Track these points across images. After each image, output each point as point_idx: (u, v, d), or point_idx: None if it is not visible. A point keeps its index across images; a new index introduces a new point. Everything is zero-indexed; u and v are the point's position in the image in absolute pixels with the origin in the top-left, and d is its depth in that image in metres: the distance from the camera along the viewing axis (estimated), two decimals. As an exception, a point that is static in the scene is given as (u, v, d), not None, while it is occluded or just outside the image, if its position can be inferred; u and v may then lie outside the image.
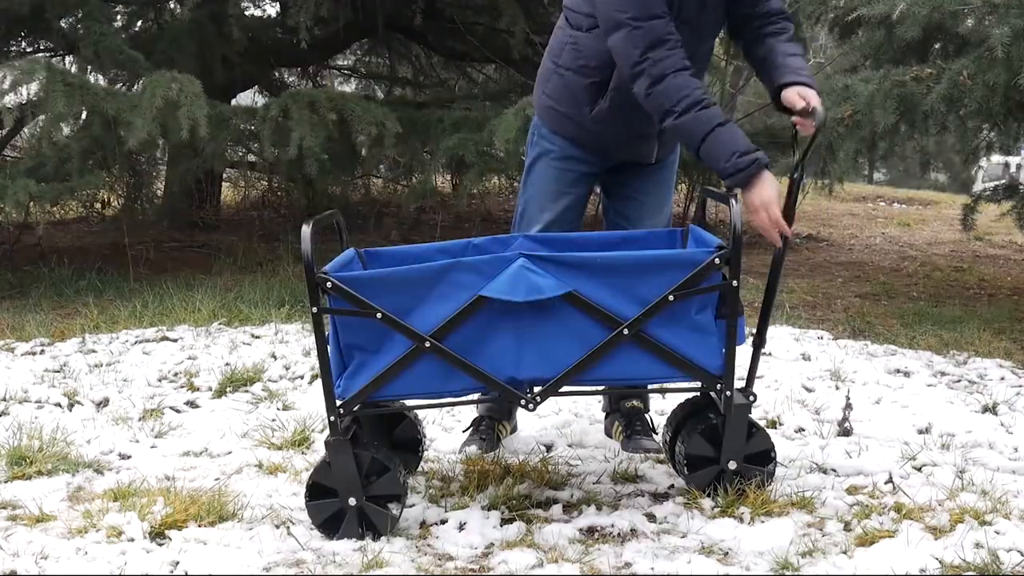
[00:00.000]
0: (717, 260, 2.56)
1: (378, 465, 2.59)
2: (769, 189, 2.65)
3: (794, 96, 2.72)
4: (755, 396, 2.74)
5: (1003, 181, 9.39)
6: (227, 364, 4.25)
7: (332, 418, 2.56)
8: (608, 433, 3.31)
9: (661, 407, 3.60)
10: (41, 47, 8.10)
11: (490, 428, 3.20)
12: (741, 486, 2.72)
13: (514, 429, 3.32)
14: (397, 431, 3.01)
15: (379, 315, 2.52)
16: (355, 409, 2.61)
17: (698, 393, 2.91)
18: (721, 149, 2.64)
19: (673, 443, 2.90)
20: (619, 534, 2.60)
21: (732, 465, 2.73)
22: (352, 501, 2.56)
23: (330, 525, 2.58)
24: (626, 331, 2.54)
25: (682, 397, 3.04)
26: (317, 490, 2.58)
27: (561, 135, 3.04)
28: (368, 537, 2.55)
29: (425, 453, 3.10)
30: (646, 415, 3.25)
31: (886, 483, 2.91)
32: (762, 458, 2.76)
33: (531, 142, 3.15)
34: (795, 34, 2.86)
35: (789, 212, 2.72)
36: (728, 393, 2.63)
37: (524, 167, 3.16)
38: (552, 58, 3.03)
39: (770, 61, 2.83)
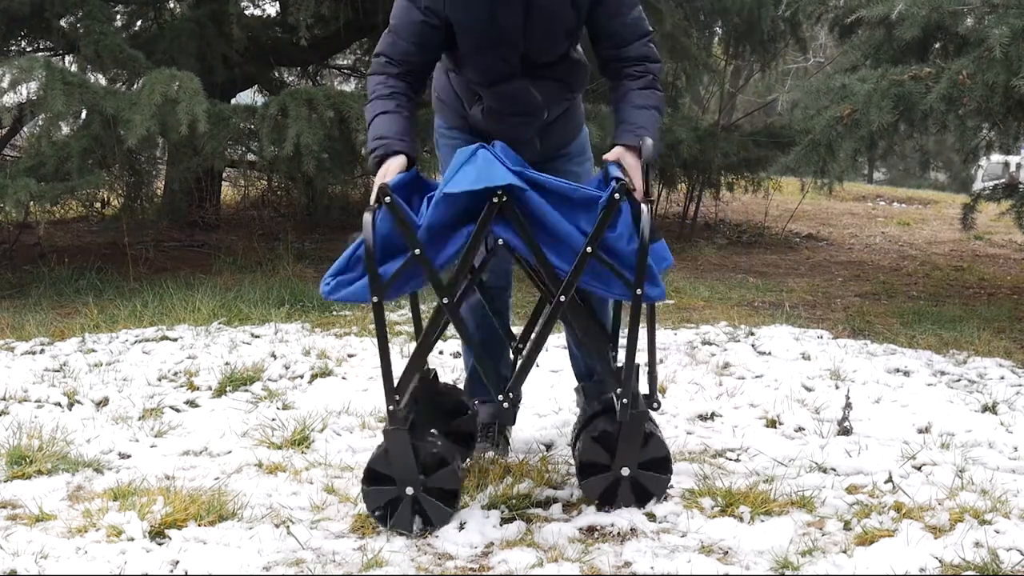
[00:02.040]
0: (616, 195, 2.55)
1: (437, 459, 2.62)
2: (381, 178, 2.72)
3: (612, 154, 2.82)
4: (659, 404, 2.76)
5: (1003, 180, 9.41)
6: (227, 363, 4.25)
7: (390, 407, 2.60)
8: None
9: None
10: (41, 47, 8.10)
11: (500, 432, 3.21)
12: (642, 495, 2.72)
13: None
14: (457, 424, 3.03)
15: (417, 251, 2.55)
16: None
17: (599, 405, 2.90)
18: (369, 134, 2.80)
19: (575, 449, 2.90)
20: (619, 533, 2.60)
21: (625, 471, 2.71)
22: (409, 491, 2.59)
23: (384, 512, 2.60)
24: (588, 249, 2.55)
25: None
26: (374, 476, 2.61)
27: (456, 128, 3.08)
28: (419, 526, 2.58)
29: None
30: None
31: (886, 482, 2.91)
32: (659, 465, 2.73)
33: (436, 145, 3.20)
34: (655, 79, 2.85)
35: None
36: (625, 400, 2.65)
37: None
38: None
39: (619, 113, 2.87)
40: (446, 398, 3.05)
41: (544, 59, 2.89)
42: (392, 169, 2.71)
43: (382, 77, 2.87)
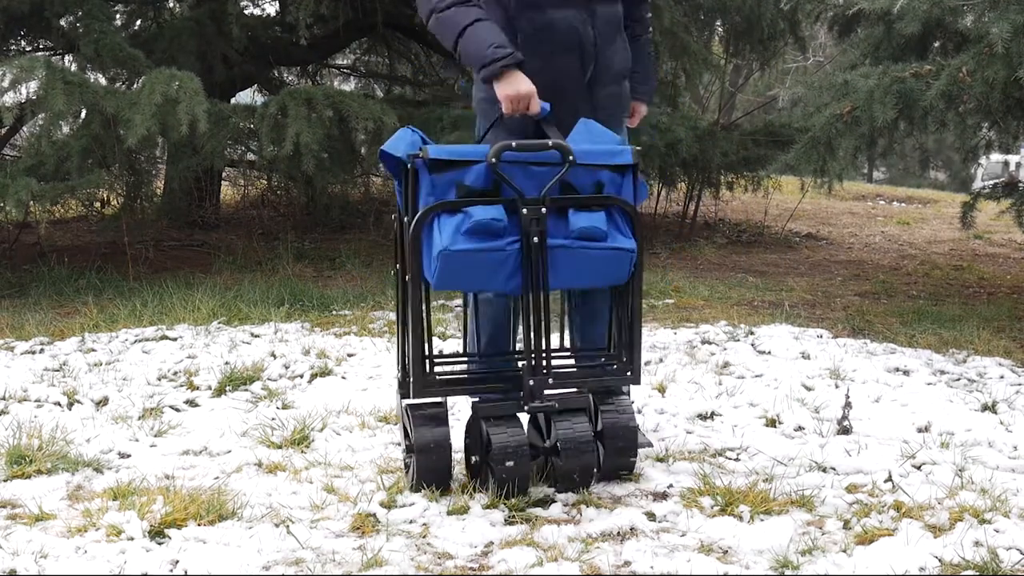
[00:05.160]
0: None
1: None
2: (526, 84, 2.78)
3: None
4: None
5: (1002, 179, 9.40)
6: (226, 363, 4.25)
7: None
8: None
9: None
10: (41, 46, 8.10)
11: None
12: None
13: None
14: None
15: None
16: None
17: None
18: (479, 41, 2.77)
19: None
20: (619, 533, 2.60)
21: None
22: None
23: None
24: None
25: None
26: None
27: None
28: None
29: None
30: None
31: (885, 481, 2.91)
32: None
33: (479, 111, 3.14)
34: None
35: None
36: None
37: None
38: None
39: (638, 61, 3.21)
40: None
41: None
42: (530, 87, 2.77)
43: None
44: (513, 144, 2.68)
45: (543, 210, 2.66)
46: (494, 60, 2.75)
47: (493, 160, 2.65)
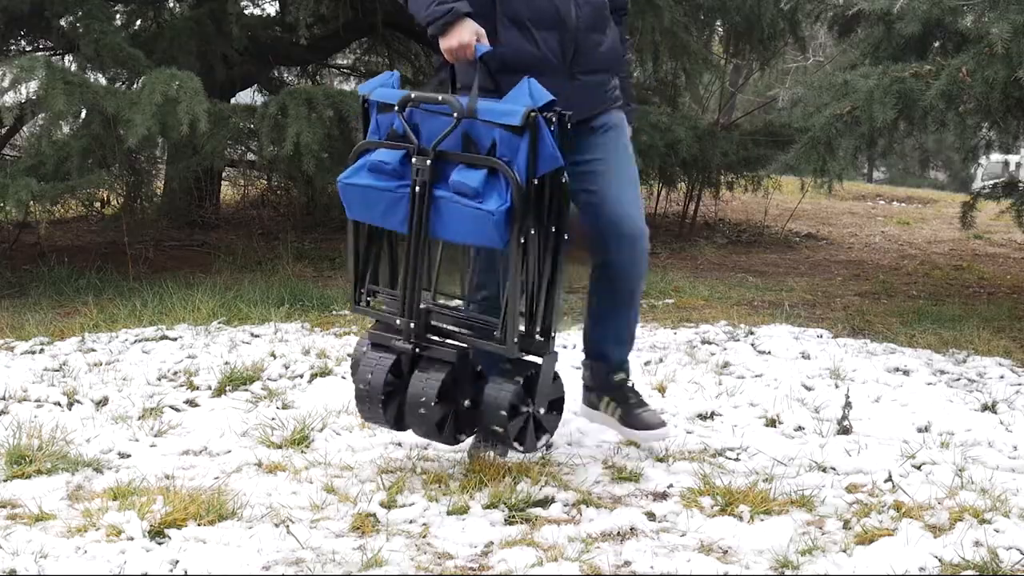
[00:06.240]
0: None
1: None
2: (468, 33, 2.80)
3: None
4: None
5: (1002, 179, 9.40)
6: (226, 363, 4.25)
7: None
8: (593, 406, 3.28)
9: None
10: (41, 46, 8.10)
11: None
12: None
13: None
14: None
15: None
16: None
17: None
18: None
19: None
20: (619, 533, 2.60)
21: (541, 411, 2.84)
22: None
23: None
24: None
25: None
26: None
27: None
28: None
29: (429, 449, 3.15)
30: (634, 385, 3.25)
31: (885, 481, 2.91)
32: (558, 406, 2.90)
33: None
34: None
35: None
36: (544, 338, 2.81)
37: None
38: None
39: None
40: None
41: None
42: (471, 35, 2.77)
43: None
44: (412, 95, 2.80)
45: (427, 161, 2.74)
46: (436, 18, 2.78)
47: (396, 108, 2.79)
